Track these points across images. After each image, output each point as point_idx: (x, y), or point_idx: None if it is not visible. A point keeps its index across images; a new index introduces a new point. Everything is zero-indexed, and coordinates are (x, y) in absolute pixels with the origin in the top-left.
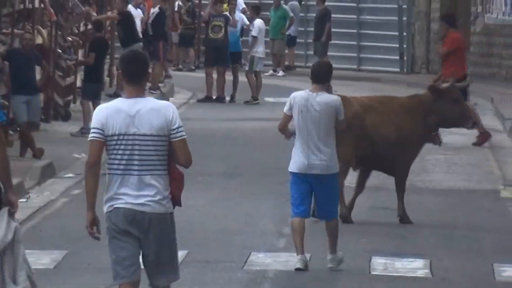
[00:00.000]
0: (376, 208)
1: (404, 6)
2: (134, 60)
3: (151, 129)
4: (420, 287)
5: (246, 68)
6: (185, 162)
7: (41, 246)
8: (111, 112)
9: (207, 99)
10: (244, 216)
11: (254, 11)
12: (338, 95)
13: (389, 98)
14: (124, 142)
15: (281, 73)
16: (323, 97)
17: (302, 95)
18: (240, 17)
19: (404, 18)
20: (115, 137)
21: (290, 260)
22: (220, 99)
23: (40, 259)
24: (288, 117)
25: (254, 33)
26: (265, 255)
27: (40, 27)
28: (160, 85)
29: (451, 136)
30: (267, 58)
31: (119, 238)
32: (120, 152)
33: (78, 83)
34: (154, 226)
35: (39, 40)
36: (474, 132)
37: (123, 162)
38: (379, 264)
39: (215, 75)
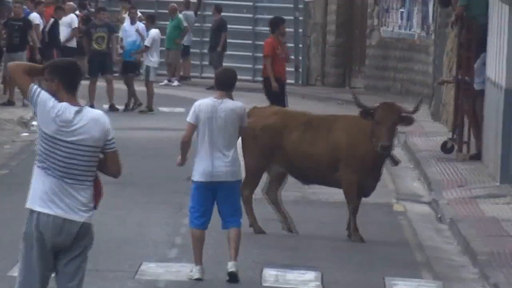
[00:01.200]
0: (267, 220)
1: (301, 18)
2: (75, 70)
3: (91, 140)
4: None
5: (142, 78)
6: (116, 172)
7: None
8: (55, 111)
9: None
10: (136, 226)
11: (149, 20)
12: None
13: (337, 117)
14: (58, 147)
15: (176, 83)
16: (228, 104)
17: (207, 103)
18: (142, 27)
19: (300, 30)
20: (49, 138)
21: (181, 270)
22: (113, 108)
23: None
24: (194, 127)
25: (147, 42)
26: (156, 265)
27: None
28: None
29: None
30: (161, 68)
31: (35, 248)
32: (53, 155)
33: None
34: (81, 236)
35: None
36: None
37: (55, 166)
38: (271, 276)
39: (100, 83)
